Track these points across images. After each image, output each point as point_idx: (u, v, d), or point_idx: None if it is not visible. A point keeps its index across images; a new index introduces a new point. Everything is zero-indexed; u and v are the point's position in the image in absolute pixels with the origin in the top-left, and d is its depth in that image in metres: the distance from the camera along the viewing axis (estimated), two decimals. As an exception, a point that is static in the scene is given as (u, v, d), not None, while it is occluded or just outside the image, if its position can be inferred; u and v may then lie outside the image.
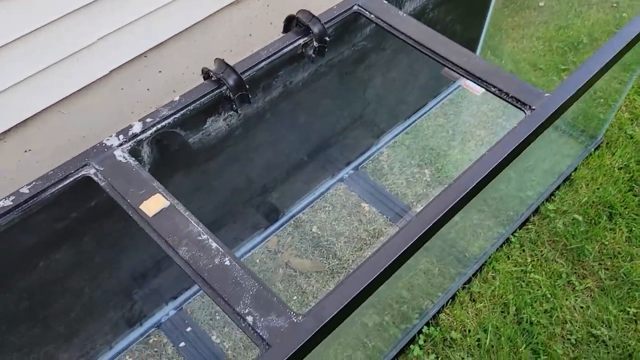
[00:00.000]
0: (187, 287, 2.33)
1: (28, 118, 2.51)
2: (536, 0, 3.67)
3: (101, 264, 1.88)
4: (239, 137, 1.98)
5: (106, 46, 2.21)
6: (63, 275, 1.77)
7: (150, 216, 1.40)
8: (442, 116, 3.04)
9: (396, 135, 2.94)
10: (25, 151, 2.61)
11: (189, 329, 2.23)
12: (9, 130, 2.46)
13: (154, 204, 1.42)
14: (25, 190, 1.42)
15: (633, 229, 2.53)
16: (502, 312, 2.27)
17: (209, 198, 2.14)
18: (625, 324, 2.25)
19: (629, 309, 2.28)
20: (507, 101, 1.71)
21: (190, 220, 1.40)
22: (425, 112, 3.05)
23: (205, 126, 1.79)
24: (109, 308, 2.07)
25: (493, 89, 1.73)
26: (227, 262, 1.33)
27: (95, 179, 1.47)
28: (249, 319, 1.24)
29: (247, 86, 1.71)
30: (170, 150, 1.73)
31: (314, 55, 1.91)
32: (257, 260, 2.46)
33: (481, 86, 1.76)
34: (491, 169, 1.53)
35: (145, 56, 2.54)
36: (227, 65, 1.69)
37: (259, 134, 2.11)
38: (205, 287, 1.30)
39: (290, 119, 2.26)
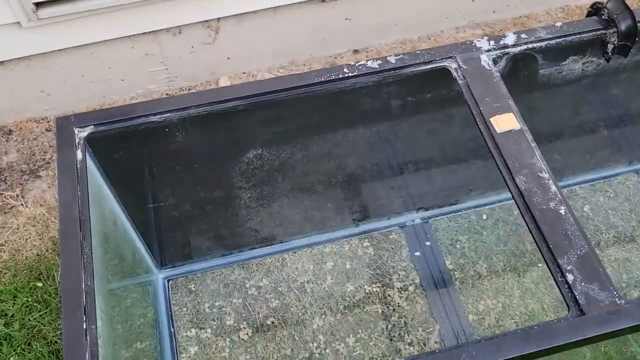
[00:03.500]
0: (440, 204, 2.34)
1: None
2: None
3: (397, 153, 1.94)
4: (580, 88, 1.81)
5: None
6: (362, 150, 1.86)
7: (498, 132, 1.36)
8: None
9: None
10: (346, 18, 2.73)
11: (428, 242, 2.26)
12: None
13: (505, 121, 1.37)
14: (392, 59, 1.46)
15: None
16: None
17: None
18: None
19: None
20: None
21: (536, 152, 1.33)
22: None
23: (564, 63, 1.66)
24: (371, 193, 2.16)
25: None
26: (562, 211, 1.25)
27: (455, 74, 1.45)
28: (569, 276, 1.16)
29: (637, 38, 1.51)
30: (518, 74, 1.64)
31: None
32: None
33: None
34: None
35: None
36: (627, 6, 1.50)
37: (595, 92, 1.91)
38: (531, 226, 1.24)
39: (631, 89, 2.01)
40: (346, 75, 1.44)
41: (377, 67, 1.45)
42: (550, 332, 1.10)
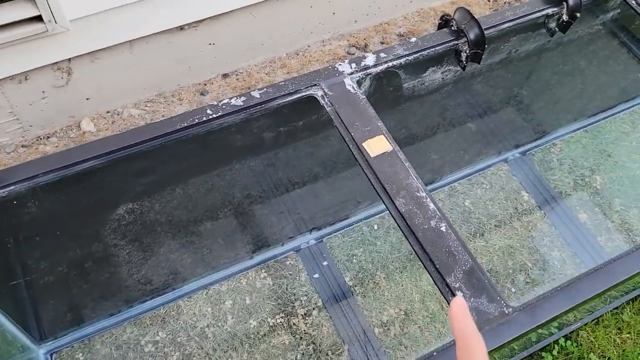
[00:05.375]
0: (331, 221, 2.32)
1: (221, 14, 2.51)
2: None
3: (281, 179, 1.89)
4: (443, 94, 1.87)
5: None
6: (244, 181, 1.79)
7: (372, 157, 1.34)
8: (629, 124, 2.77)
9: (574, 131, 2.71)
10: (209, 44, 2.64)
11: (325, 262, 2.24)
12: (203, 20, 2.48)
13: (377, 145, 1.36)
14: (256, 94, 1.40)
15: None
16: (650, 351, 2.11)
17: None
18: None
19: None
20: None
21: (410, 172, 1.34)
22: (611, 115, 2.78)
23: (424, 75, 1.70)
24: (261, 221, 2.10)
25: None
26: (443, 228, 1.26)
27: (322, 101, 1.43)
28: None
29: (486, 45, 1.58)
30: (384, 90, 1.66)
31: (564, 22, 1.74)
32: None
33: None
34: None
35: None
36: (472, 16, 1.57)
37: (458, 95, 1.99)
38: (416, 247, 1.24)
39: (489, 87, 2.12)
40: (210, 117, 1.36)
41: (242, 104, 1.39)
42: (449, 357, 1.10)
